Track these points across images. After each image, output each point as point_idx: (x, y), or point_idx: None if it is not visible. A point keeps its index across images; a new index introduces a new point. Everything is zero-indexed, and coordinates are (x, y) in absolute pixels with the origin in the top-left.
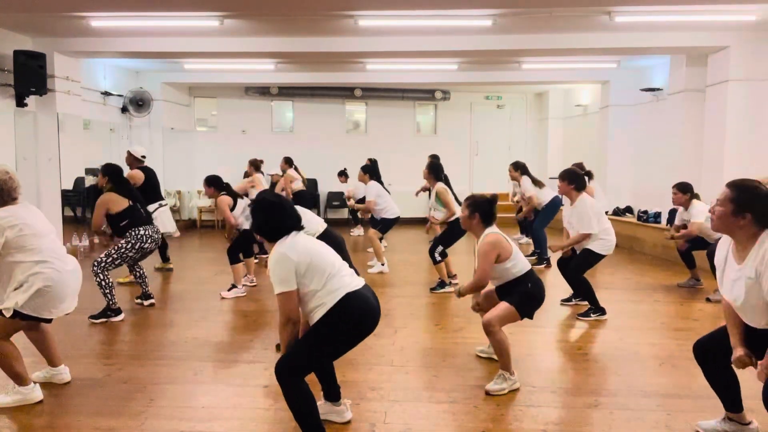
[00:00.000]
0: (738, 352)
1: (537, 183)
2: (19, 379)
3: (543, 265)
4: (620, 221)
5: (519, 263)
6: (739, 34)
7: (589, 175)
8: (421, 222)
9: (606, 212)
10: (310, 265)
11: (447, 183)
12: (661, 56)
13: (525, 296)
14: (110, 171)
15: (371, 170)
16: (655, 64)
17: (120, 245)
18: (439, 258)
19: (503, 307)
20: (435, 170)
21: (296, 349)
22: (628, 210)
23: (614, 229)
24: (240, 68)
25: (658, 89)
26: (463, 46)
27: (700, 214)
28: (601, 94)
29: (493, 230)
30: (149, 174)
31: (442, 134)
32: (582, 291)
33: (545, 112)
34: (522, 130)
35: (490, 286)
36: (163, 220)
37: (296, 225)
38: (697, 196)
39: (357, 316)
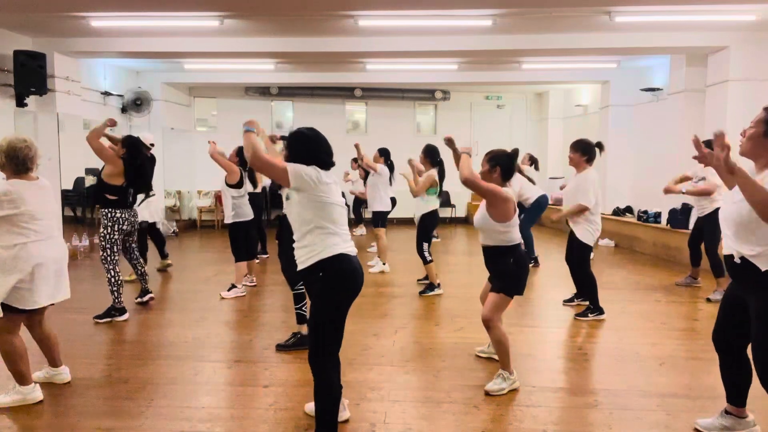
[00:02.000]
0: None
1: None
2: (22, 378)
3: (530, 265)
4: (620, 221)
5: (512, 233)
6: (738, 34)
7: (600, 146)
8: None
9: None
10: (326, 203)
11: (442, 168)
12: (661, 56)
13: (507, 276)
14: (130, 143)
15: (386, 154)
16: (655, 64)
17: (102, 234)
18: (429, 258)
19: (492, 297)
20: (431, 153)
21: (309, 328)
22: (628, 210)
23: (614, 229)
24: (240, 68)
25: (658, 89)
26: (463, 46)
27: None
28: (601, 94)
29: (508, 188)
30: (152, 166)
31: (442, 134)
32: (586, 287)
33: (545, 112)
34: (522, 130)
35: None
36: (150, 210)
37: (329, 162)
38: None
39: (342, 276)
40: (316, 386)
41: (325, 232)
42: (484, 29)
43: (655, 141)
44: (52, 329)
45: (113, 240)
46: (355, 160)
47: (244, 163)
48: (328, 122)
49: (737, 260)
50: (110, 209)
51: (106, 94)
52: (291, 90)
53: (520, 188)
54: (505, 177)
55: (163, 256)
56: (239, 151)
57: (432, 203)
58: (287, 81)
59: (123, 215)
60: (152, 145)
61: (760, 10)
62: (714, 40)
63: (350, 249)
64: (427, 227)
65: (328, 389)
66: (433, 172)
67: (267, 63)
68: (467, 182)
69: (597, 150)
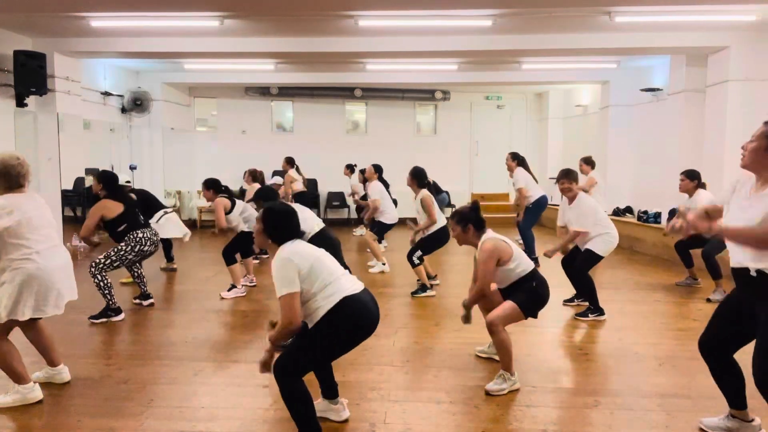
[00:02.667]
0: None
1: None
2: (18, 378)
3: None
4: (620, 221)
5: (522, 264)
6: (739, 34)
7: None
8: None
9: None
10: (311, 269)
11: (431, 189)
12: (661, 56)
13: (530, 294)
14: (105, 178)
15: (380, 170)
16: (655, 64)
17: (119, 247)
18: (417, 261)
19: (508, 306)
20: (418, 177)
21: (294, 350)
22: (628, 210)
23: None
24: (240, 68)
25: (658, 89)
26: (463, 46)
27: (705, 201)
28: (601, 94)
29: (489, 236)
30: (141, 194)
31: (442, 134)
32: (585, 289)
33: (545, 112)
34: (522, 130)
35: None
36: (169, 227)
37: (299, 233)
38: (703, 186)
39: (353, 319)
40: (283, 392)
41: (325, 289)
42: (484, 29)
43: (655, 141)
44: (46, 328)
45: (126, 259)
46: (348, 166)
47: (219, 191)
48: (328, 122)
49: (753, 274)
50: (130, 233)
51: (106, 94)
52: (291, 90)
53: (525, 184)
54: (479, 229)
55: (169, 258)
56: (209, 185)
57: (438, 222)
58: (287, 81)
59: (145, 234)
60: (128, 182)
61: (760, 10)
62: (714, 40)
63: (353, 287)
64: (431, 242)
65: (294, 392)
66: (427, 193)
67: (267, 63)
68: (484, 290)
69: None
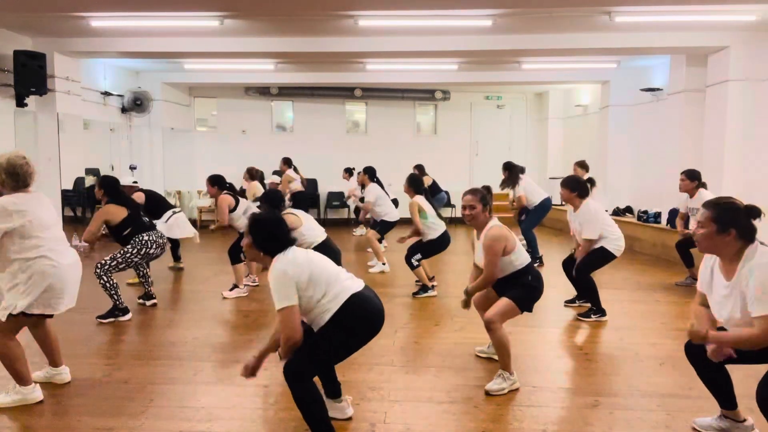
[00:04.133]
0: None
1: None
2: (21, 379)
3: (536, 264)
4: (620, 221)
5: (521, 257)
6: (739, 34)
7: (591, 182)
8: None
9: (605, 210)
10: (311, 277)
11: (428, 194)
12: (661, 56)
13: (524, 289)
14: (106, 184)
15: (371, 172)
16: (655, 64)
17: (125, 250)
18: (416, 263)
19: (503, 303)
20: (414, 184)
21: (305, 354)
22: (628, 210)
23: None
24: (240, 68)
25: (658, 89)
26: (463, 46)
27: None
28: (601, 94)
29: (496, 222)
30: (149, 194)
31: (442, 134)
32: (586, 290)
33: (545, 112)
34: (522, 130)
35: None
36: (180, 226)
37: (291, 240)
38: (704, 185)
39: (362, 316)
40: (296, 396)
41: (329, 292)
42: (484, 29)
43: (655, 141)
44: (51, 326)
45: (131, 261)
46: (346, 170)
47: (223, 188)
48: (328, 122)
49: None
50: (138, 235)
51: (106, 94)
52: (291, 90)
53: (523, 191)
54: (491, 213)
55: (176, 258)
56: (214, 181)
57: (437, 227)
58: (287, 81)
59: (151, 237)
60: (135, 182)
61: (760, 10)
62: (714, 40)
63: (357, 285)
64: (431, 247)
65: (306, 394)
66: (416, 200)
67: (267, 63)
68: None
69: (589, 186)
